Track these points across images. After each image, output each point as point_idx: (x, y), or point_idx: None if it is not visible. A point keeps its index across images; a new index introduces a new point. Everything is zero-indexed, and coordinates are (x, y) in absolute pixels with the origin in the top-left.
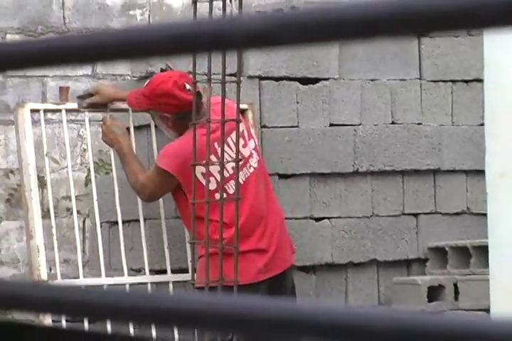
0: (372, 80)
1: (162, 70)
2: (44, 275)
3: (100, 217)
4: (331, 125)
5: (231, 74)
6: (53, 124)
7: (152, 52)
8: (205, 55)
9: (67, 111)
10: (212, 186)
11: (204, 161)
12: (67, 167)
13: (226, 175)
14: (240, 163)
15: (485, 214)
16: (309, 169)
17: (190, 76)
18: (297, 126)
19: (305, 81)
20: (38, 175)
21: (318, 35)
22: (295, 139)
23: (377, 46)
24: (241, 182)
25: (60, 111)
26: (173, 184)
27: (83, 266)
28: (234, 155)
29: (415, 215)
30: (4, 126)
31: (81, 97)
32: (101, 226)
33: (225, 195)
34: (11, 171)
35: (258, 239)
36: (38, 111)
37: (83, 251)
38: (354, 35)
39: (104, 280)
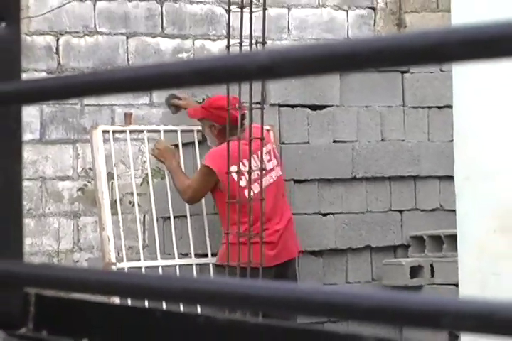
0: (366, 107)
1: (204, 100)
2: (113, 259)
3: (156, 213)
4: (334, 141)
5: (257, 103)
6: (120, 142)
7: (181, 83)
8: (237, 84)
9: (131, 131)
10: (243, 184)
11: (239, 162)
12: (130, 175)
13: (253, 177)
14: (264, 172)
15: (454, 210)
16: (317, 176)
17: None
18: (308, 143)
19: (314, 107)
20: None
21: (313, 67)
22: (306, 153)
23: (370, 80)
24: (264, 186)
25: (125, 131)
26: (212, 182)
27: (143, 251)
28: (264, 166)
29: (400, 211)
30: (82, 144)
31: (169, 98)
32: (157, 220)
33: (251, 194)
34: (87, 180)
35: (270, 234)
36: (107, 131)
37: (143, 240)
38: (343, 67)
39: (159, 262)
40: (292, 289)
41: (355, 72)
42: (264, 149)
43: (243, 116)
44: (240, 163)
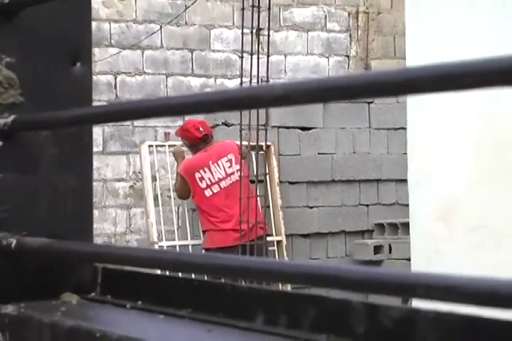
0: (342, 128)
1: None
2: (155, 239)
3: (187, 206)
4: (318, 154)
5: (262, 125)
6: (161, 153)
7: (210, 108)
8: (247, 111)
9: (169, 145)
10: (203, 186)
11: (201, 170)
12: (168, 177)
13: (213, 180)
14: (224, 175)
15: (407, 205)
16: (306, 179)
17: (206, 123)
18: (299, 154)
19: (303, 129)
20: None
21: (317, 96)
22: (298, 162)
23: (345, 109)
24: (222, 187)
25: (164, 146)
26: (186, 185)
27: (177, 234)
28: (221, 172)
29: (366, 205)
30: (133, 154)
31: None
32: (187, 211)
33: (211, 193)
34: (136, 181)
35: (235, 223)
36: (152, 146)
37: (178, 225)
38: (340, 96)
39: (189, 241)
40: (301, 265)
41: (350, 99)
42: (225, 158)
43: (207, 135)
44: (201, 170)
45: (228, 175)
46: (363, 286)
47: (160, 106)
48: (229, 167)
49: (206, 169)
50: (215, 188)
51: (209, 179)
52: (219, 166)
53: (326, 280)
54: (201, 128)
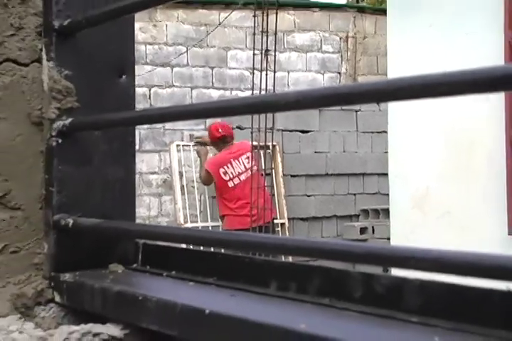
0: (334, 131)
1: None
2: (182, 221)
3: (208, 194)
4: (315, 152)
5: (269, 128)
6: (186, 151)
7: (235, 112)
8: (257, 117)
9: (193, 145)
10: (226, 178)
11: (224, 166)
12: (192, 171)
13: (234, 174)
14: (243, 169)
15: (387, 194)
16: (305, 172)
17: (227, 126)
18: (299, 152)
19: (303, 131)
20: (180, 175)
21: (323, 102)
22: (298, 159)
23: (337, 115)
24: (241, 179)
25: (189, 145)
26: (211, 177)
27: (200, 217)
28: (241, 167)
29: (354, 194)
30: (164, 152)
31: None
32: (208, 198)
33: (233, 184)
34: (166, 174)
35: (249, 209)
36: (179, 145)
37: (200, 210)
38: (342, 102)
39: (209, 223)
40: (314, 241)
41: (350, 105)
42: (245, 156)
43: (225, 136)
44: (225, 166)
45: (247, 170)
46: (363, 259)
47: (194, 110)
48: (248, 163)
49: (229, 165)
50: (236, 180)
51: (231, 173)
52: (239, 162)
53: (332, 253)
54: (220, 130)
